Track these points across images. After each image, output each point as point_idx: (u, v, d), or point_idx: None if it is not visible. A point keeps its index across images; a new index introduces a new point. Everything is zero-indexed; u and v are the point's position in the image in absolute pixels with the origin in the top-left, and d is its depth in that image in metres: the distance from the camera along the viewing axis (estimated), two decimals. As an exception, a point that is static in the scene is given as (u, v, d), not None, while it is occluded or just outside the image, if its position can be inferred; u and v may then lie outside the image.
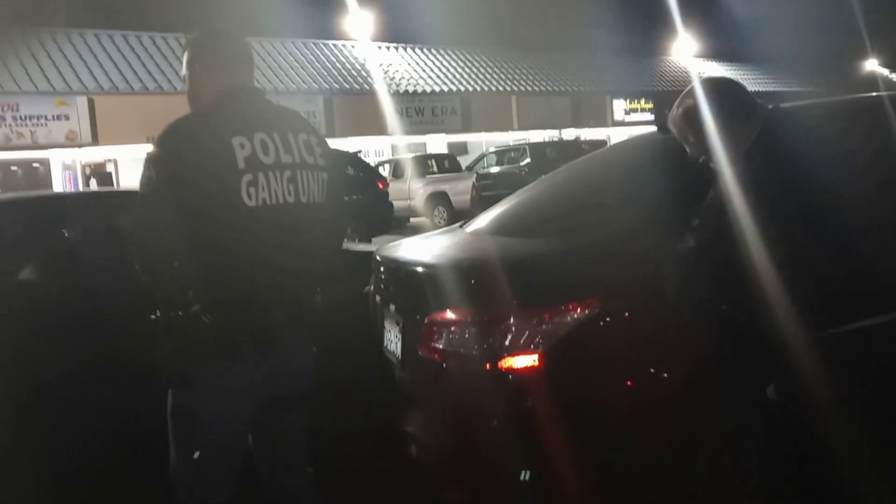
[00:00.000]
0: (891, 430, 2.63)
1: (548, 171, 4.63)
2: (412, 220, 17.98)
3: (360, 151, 15.42)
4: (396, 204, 15.17)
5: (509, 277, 2.62)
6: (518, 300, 2.52)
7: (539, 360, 2.44)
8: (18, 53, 18.12)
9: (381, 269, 3.35)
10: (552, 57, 28.38)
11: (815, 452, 2.48)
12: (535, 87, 27.80)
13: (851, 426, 2.48)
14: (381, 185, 14.11)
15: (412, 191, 18.52)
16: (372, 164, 15.41)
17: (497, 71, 27.39)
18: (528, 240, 3.10)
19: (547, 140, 23.56)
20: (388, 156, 23.02)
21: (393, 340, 3.11)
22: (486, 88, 26.59)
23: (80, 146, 18.60)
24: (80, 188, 18.61)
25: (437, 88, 25.45)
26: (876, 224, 2.72)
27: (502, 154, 21.29)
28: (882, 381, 2.66)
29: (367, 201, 13.21)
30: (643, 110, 30.30)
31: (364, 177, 13.87)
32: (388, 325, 3.20)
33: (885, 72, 35.11)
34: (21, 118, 17.84)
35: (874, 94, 3.52)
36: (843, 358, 2.59)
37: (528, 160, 19.37)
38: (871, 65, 34.80)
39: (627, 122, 29.43)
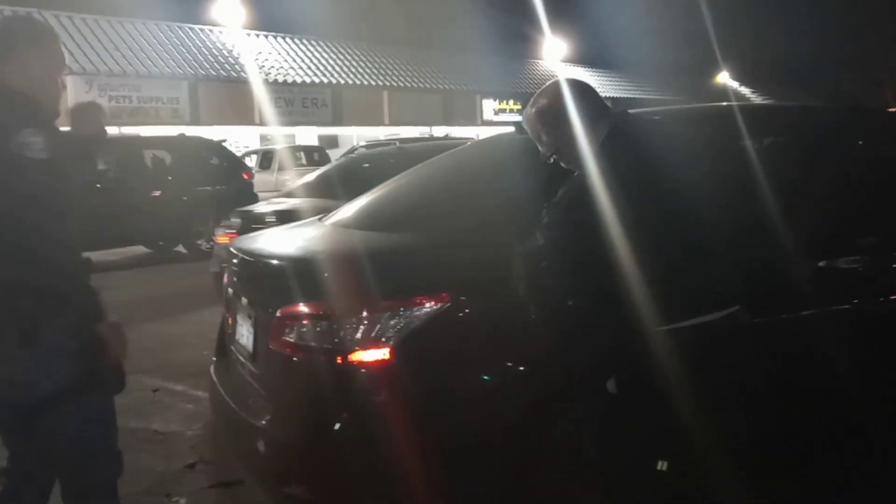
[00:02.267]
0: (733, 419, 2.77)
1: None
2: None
3: (224, 141, 14.99)
4: (263, 196, 14.88)
5: (363, 271, 2.62)
6: (370, 293, 2.52)
7: (389, 353, 2.45)
8: None
9: (235, 260, 3.28)
10: (425, 54, 28.57)
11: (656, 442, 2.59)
12: (408, 84, 27.89)
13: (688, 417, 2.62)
14: (245, 176, 13.79)
15: (279, 183, 18.20)
16: (237, 155, 15.04)
17: (370, 65, 27.31)
18: (385, 234, 3.11)
19: (416, 136, 23.69)
20: (255, 147, 22.52)
21: (245, 334, 3.05)
22: (358, 82, 26.47)
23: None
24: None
25: (308, 79, 25.10)
26: (717, 225, 2.88)
27: (372, 148, 21.21)
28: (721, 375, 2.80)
29: (231, 192, 12.87)
30: (511, 111, 31.00)
31: (228, 167, 13.52)
32: (240, 318, 3.14)
33: (735, 84, 37.30)
34: None
35: (722, 103, 3.74)
36: (688, 352, 2.73)
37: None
38: (724, 77, 36.89)
39: (497, 122, 30.00)
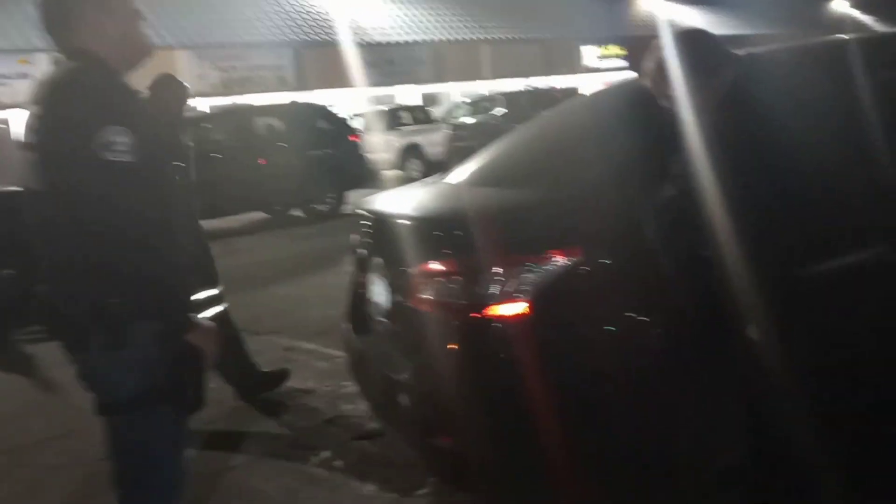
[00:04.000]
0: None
1: (523, 121, 4.66)
2: (385, 173, 17.95)
3: (331, 105, 15.26)
4: (370, 157, 15.14)
5: (494, 227, 2.68)
6: (504, 249, 2.57)
7: (525, 307, 2.50)
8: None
9: (366, 221, 3.39)
10: (520, 3, 28.11)
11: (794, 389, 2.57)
12: (505, 35, 27.57)
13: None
14: (353, 139, 14.03)
15: (386, 143, 18.43)
16: (344, 118, 15.30)
17: (466, 19, 27.11)
18: (510, 190, 3.14)
19: (520, 90, 23.46)
20: (361, 109, 22.83)
21: (380, 293, 3.17)
22: (455, 37, 26.35)
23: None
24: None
25: (407, 38, 25.18)
26: (844, 166, 2.80)
27: (475, 104, 21.14)
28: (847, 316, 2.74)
29: (340, 155, 13.16)
30: (615, 57, 30.20)
31: (335, 130, 13.77)
32: (374, 277, 3.25)
33: (855, 13, 35.13)
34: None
35: (844, 35, 3.57)
36: (818, 295, 2.69)
37: (503, 110, 19.27)
38: (840, 5, 34.81)
39: (599, 69, 29.34)
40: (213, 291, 4.52)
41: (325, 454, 3.79)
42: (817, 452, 2.56)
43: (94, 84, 1.98)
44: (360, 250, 3.48)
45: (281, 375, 4.75)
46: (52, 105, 1.98)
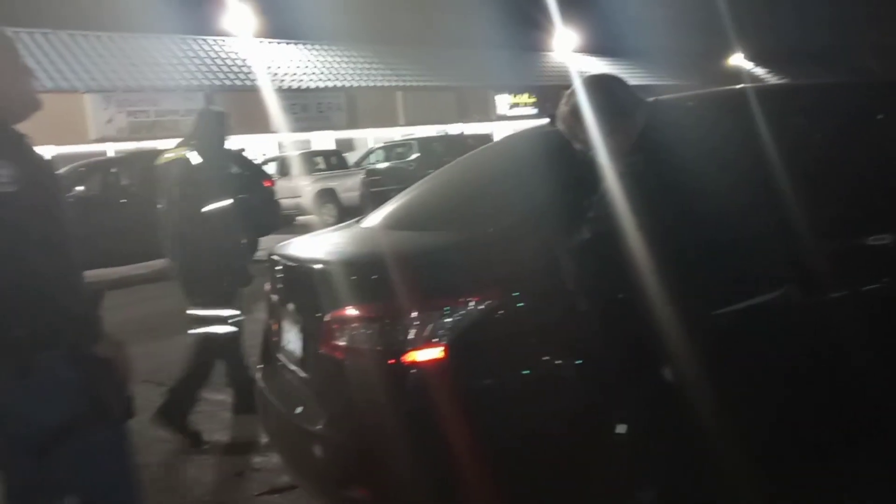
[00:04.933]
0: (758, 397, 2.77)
1: (436, 167, 4.67)
2: (299, 218, 17.74)
3: (243, 149, 15.05)
4: (283, 202, 14.95)
5: (410, 271, 2.62)
6: (420, 293, 2.53)
7: (442, 352, 2.45)
8: None
9: (278, 267, 3.30)
10: (435, 52, 28.55)
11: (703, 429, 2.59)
12: (421, 83, 27.89)
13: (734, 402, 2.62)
14: (267, 184, 13.85)
15: (299, 189, 18.26)
16: (257, 162, 15.11)
17: (381, 66, 27.33)
18: (426, 233, 3.11)
19: (433, 135, 23.69)
20: (274, 154, 22.63)
21: (293, 340, 3.07)
22: (371, 84, 26.50)
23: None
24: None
25: (321, 84, 25.18)
26: (748, 208, 2.88)
27: (390, 150, 21.24)
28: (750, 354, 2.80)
29: (254, 200, 12.93)
30: (526, 105, 30.89)
31: (249, 175, 13.57)
32: (286, 324, 3.15)
33: (750, 65, 36.96)
34: None
35: (742, 85, 3.73)
36: (733, 335, 2.74)
37: (416, 155, 19.38)
38: (738, 59, 36.58)
39: (511, 117, 29.92)
40: (231, 312, 4.65)
41: (235, 509, 3.63)
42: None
43: None
44: (272, 297, 3.38)
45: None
46: None
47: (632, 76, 31.77)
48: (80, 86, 19.46)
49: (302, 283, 3.01)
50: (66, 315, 2.03)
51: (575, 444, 2.52)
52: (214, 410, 5.04)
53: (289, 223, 13.39)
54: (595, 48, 34.48)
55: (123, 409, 2.17)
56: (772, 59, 38.01)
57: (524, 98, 31.05)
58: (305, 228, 13.13)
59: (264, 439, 3.75)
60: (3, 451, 2.06)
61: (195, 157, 4.61)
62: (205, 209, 4.50)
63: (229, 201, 4.61)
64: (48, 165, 2.19)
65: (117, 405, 2.13)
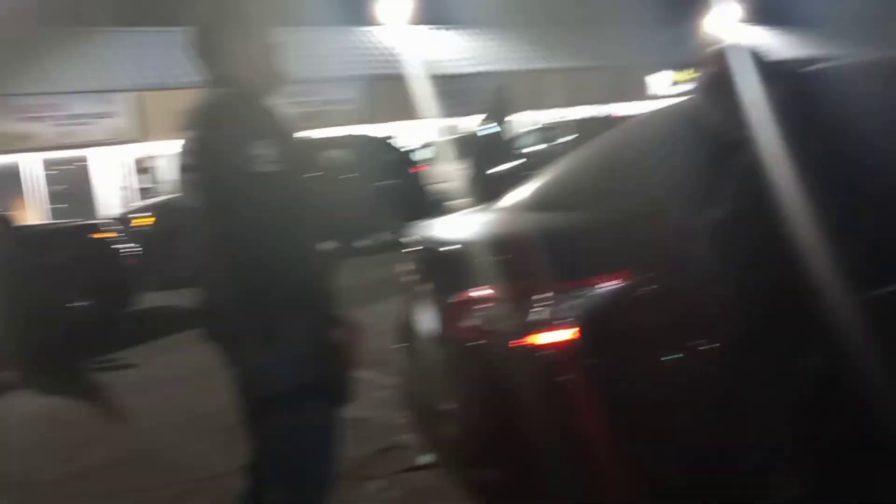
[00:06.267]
0: None
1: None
2: (452, 203, 17.95)
3: (390, 137, 15.40)
4: (436, 188, 15.17)
5: (542, 251, 2.60)
6: (551, 274, 2.50)
7: (573, 334, 2.41)
8: (63, 54, 18.43)
9: (416, 248, 3.36)
10: (593, 31, 28.01)
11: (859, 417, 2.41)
12: (576, 63, 27.50)
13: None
14: (415, 170, 14.11)
15: (451, 174, 18.45)
16: (407, 149, 15.41)
17: (536, 49, 27.16)
18: (560, 214, 3.07)
19: (586, 117, 23.28)
20: (428, 140, 23.00)
21: (429, 320, 3.12)
22: (525, 67, 26.40)
23: (126, 143, 18.91)
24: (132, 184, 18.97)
25: (475, 70, 25.34)
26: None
27: (543, 132, 21.06)
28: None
29: (403, 186, 13.24)
30: (687, 81, 29.78)
31: (398, 161, 13.87)
32: (423, 306, 3.21)
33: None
34: (67, 117, 18.20)
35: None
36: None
37: (569, 137, 19.12)
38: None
39: (671, 95, 28.95)
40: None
41: (378, 484, 3.74)
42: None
43: (237, 106, 2.19)
44: (410, 279, 3.45)
45: None
46: (201, 128, 2.19)
47: (797, 46, 29.97)
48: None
49: (438, 264, 3.05)
50: (305, 290, 2.17)
51: (716, 433, 2.42)
52: (363, 388, 5.20)
53: (439, 207, 13.57)
54: (759, 17, 32.69)
55: (344, 393, 2.32)
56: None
57: (688, 74, 29.90)
58: (455, 212, 13.27)
59: (404, 417, 3.84)
60: (249, 410, 2.30)
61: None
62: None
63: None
64: (302, 142, 2.39)
65: (337, 386, 2.28)
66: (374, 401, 4.93)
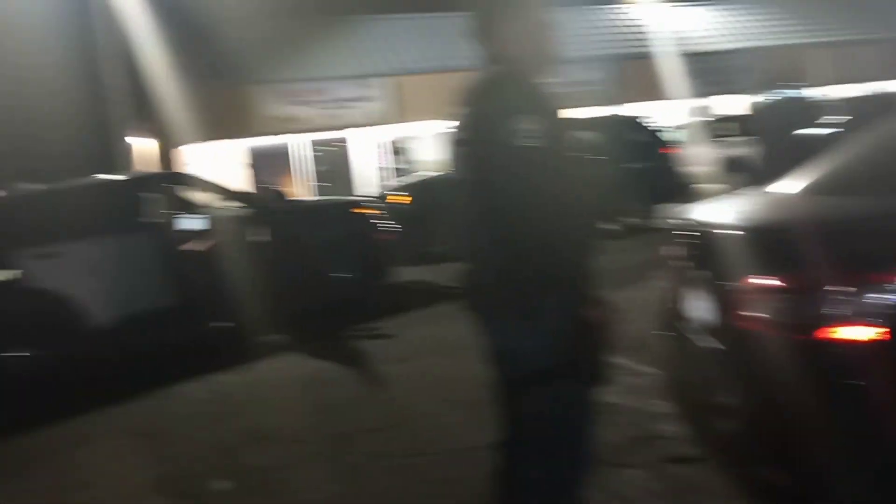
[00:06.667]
0: None
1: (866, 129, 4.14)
2: (703, 186, 17.18)
3: (638, 117, 14.90)
4: (687, 171, 14.56)
5: (838, 240, 2.37)
6: (851, 266, 2.27)
7: (877, 331, 2.18)
8: (327, 42, 19.74)
9: (685, 233, 3.20)
10: (856, 2, 25.52)
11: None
12: (840, 37, 25.23)
13: None
14: (666, 151, 13.59)
15: (705, 156, 17.65)
16: (658, 129, 14.86)
17: (794, 22, 25.23)
18: (853, 199, 2.78)
19: (864, 94, 21.23)
20: (680, 120, 22.17)
21: (701, 308, 2.96)
22: (782, 42, 24.63)
23: (383, 125, 19.95)
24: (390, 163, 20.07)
25: (729, 46, 24.03)
26: None
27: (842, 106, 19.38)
28: None
29: (653, 168, 12.82)
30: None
31: (648, 143, 13.43)
32: (694, 292, 3.05)
33: None
34: (330, 101, 19.53)
35: None
36: None
37: (844, 118, 17.50)
38: None
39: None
40: None
41: (635, 474, 3.63)
42: None
43: (506, 83, 2.24)
44: (676, 264, 3.30)
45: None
46: (473, 103, 2.24)
47: None
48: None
49: (712, 249, 2.88)
50: (564, 267, 2.16)
51: None
52: (615, 374, 5.09)
53: (691, 191, 13.00)
54: None
55: (595, 373, 2.27)
56: None
57: None
58: (710, 196, 12.67)
59: (666, 406, 3.69)
60: (503, 385, 2.33)
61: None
62: None
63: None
64: (564, 120, 2.37)
65: (589, 366, 2.24)
66: (628, 387, 4.81)
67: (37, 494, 4.50)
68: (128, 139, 16.04)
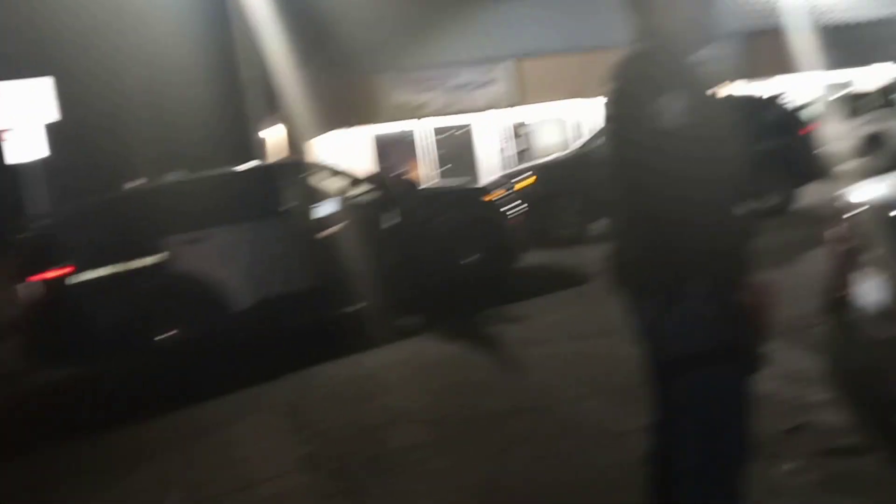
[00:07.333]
0: None
1: None
2: (843, 166, 16.29)
3: (776, 95, 14.16)
4: (826, 149, 13.80)
5: None
6: None
7: None
8: (449, 27, 19.77)
9: (853, 214, 3.03)
10: None
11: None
12: None
13: None
14: (804, 131, 12.90)
15: (845, 133, 16.70)
16: (795, 107, 14.11)
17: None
18: None
19: None
20: (815, 96, 21.05)
21: (874, 292, 2.80)
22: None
23: (505, 108, 19.86)
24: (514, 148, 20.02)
25: (871, 17, 22.61)
26: None
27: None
28: None
29: (789, 148, 12.19)
30: None
31: (783, 121, 12.77)
32: (867, 276, 2.88)
33: None
34: (453, 86, 19.60)
35: None
36: None
37: None
38: None
39: None
40: None
41: (791, 465, 3.49)
42: None
43: (655, 59, 2.18)
44: (844, 246, 3.12)
45: None
46: (618, 80, 2.20)
47: None
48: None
49: (888, 231, 2.71)
50: (713, 251, 2.07)
51: None
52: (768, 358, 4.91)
53: (830, 171, 12.33)
54: None
55: (754, 360, 2.19)
56: None
57: None
58: (854, 177, 12.00)
59: (825, 396, 3.52)
60: (655, 369, 2.30)
61: None
62: None
63: None
64: (721, 100, 2.31)
65: (747, 352, 2.17)
66: (779, 375, 4.63)
67: (189, 469, 4.75)
68: (262, 130, 16.63)
